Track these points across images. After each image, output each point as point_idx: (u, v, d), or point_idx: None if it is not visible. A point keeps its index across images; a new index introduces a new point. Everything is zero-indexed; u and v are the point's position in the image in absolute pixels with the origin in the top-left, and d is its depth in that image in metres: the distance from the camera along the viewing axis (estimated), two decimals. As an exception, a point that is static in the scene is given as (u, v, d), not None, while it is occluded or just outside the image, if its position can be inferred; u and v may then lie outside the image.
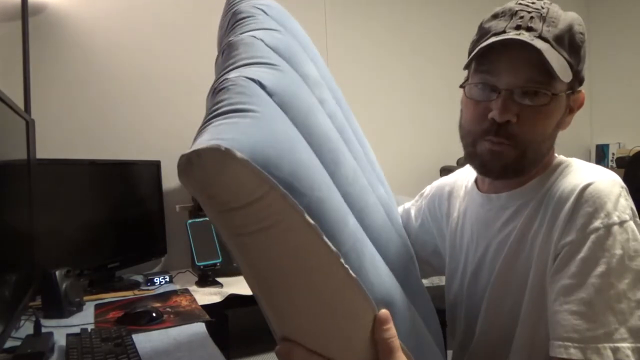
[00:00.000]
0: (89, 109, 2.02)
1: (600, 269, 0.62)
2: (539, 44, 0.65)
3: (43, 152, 1.53)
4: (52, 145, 1.83)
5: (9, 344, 1.10)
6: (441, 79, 2.75)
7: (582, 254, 0.63)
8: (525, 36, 0.66)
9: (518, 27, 0.68)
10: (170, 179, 2.14)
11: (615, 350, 0.59)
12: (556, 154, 0.78)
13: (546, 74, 0.66)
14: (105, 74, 2.05)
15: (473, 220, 0.84)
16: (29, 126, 1.32)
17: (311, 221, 0.45)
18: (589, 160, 3.37)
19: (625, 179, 1.99)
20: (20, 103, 1.71)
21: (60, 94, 1.96)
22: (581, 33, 0.70)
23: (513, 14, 0.70)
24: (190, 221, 1.88)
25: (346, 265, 0.48)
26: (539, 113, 0.68)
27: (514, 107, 0.68)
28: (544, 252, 0.69)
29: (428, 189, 1.01)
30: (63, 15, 1.97)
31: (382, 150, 2.69)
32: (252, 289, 0.51)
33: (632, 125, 3.07)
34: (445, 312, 0.91)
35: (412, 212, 1.00)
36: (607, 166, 3.08)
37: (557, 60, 0.66)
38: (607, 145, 3.16)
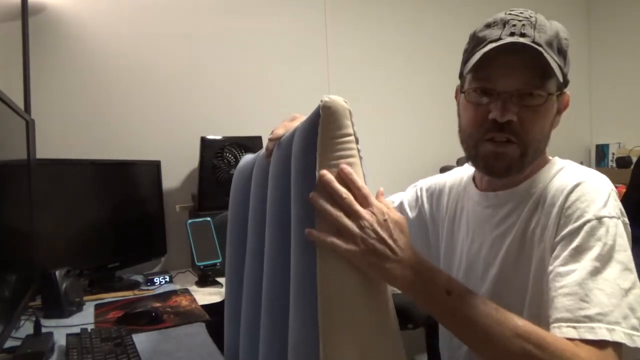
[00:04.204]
0: (89, 109, 2.01)
1: (592, 254, 0.65)
2: (538, 48, 0.70)
3: (43, 152, 1.53)
4: (52, 145, 1.83)
5: (9, 344, 1.10)
6: (442, 78, 2.74)
7: (575, 243, 0.67)
8: (524, 40, 0.71)
9: (512, 34, 0.73)
10: (170, 179, 2.14)
11: (610, 331, 0.60)
12: (550, 156, 0.82)
13: (540, 75, 0.71)
14: (105, 74, 2.05)
15: (469, 217, 0.87)
16: (29, 126, 1.32)
17: None
18: (589, 160, 3.37)
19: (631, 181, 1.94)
20: (20, 103, 1.71)
21: (60, 94, 1.96)
22: (566, 39, 0.76)
23: (505, 22, 0.74)
24: (190, 221, 1.88)
25: None
26: (537, 113, 0.73)
27: (513, 108, 0.72)
28: (540, 249, 0.73)
29: (425, 183, 1.03)
30: (63, 15, 1.97)
31: (382, 149, 2.69)
32: None
33: (632, 125, 3.07)
34: None
35: (406, 204, 1.03)
36: (607, 166, 3.08)
37: (551, 62, 0.71)
38: (607, 145, 3.16)
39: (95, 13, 2.03)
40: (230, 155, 2.05)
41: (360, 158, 0.64)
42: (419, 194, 1.02)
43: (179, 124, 2.16)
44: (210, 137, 2.05)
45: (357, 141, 0.64)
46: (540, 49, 0.70)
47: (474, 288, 0.83)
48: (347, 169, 0.62)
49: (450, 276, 0.66)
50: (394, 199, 1.05)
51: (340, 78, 2.53)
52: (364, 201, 0.63)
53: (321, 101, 0.62)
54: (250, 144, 2.09)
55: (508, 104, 0.72)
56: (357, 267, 0.62)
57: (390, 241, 0.62)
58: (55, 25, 1.96)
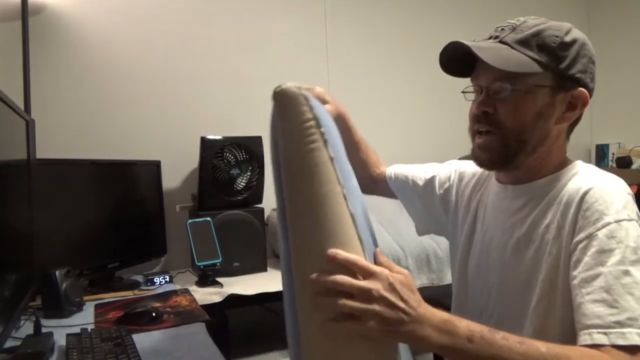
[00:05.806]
0: (89, 109, 2.02)
1: (616, 258, 0.66)
2: (484, 44, 0.78)
3: (43, 152, 1.53)
4: (52, 145, 1.83)
5: (9, 344, 1.10)
6: (443, 77, 2.74)
7: (596, 247, 0.68)
8: (475, 42, 0.78)
9: (490, 38, 0.81)
10: (170, 179, 2.14)
11: None
12: (574, 160, 0.84)
13: (508, 71, 0.74)
14: (105, 74, 2.05)
15: (488, 206, 0.91)
16: (29, 126, 1.32)
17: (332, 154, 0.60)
18: (589, 160, 3.37)
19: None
20: (20, 103, 1.71)
21: (60, 94, 1.97)
22: (556, 36, 0.76)
23: (495, 29, 0.81)
24: (190, 221, 1.88)
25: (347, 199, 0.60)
26: (510, 104, 0.77)
27: (490, 101, 0.78)
28: (555, 247, 0.74)
29: (459, 166, 1.03)
30: (63, 15, 1.98)
31: (384, 149, 2.68)
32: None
33: (632, 125, 3.07)
34: (452, 287, 0.98)
35: (437, 180, 1.04)
36: (607, 166, 3.08)
37: (507, 56, 0.75)
38: (607, 145, 3.16)
39: (95, 13, 2.03)
40: (230, 155, 2.05)
41: (325, 141, 0.60)
42: (452, 175, 1.02)
43: (179, 124, 2.16)
44: (210, 137, 2.05)
45: (318, 125, 0.60)
46: (497, 45, 0.76)
47: (485, 273, 0.86)
48: (332, 252, 0.58)
49: (466, 320, 0.63)
50: (427, 170, 1.06)
51: (340, 78, 2.53)
52: (365, 273, 0.60)
53: (273, 91, 0.60)
54: (250, 144, 2.09)
55: (485, 98, 0.78)
56: None
57: (401, 304, 0.60)
58: (55, 25, 1.96)
